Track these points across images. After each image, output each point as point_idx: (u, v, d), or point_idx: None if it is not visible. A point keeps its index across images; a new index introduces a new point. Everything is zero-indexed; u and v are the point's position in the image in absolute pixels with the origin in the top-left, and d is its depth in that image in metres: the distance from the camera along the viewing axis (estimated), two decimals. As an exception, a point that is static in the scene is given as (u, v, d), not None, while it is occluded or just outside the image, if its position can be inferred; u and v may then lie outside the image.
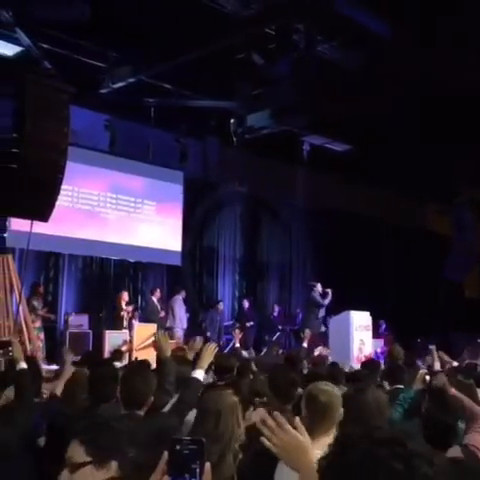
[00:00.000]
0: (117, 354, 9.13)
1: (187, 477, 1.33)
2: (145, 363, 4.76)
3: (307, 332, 12.47)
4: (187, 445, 1.35)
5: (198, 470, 1.33)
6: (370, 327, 12.05)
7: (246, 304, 15.41)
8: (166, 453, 1.36)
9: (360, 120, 12.02)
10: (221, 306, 14.96)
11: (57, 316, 12.89)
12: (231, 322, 15.39)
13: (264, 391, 4.67)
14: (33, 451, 3.65)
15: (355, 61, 10.29)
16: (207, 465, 1.35)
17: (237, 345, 13.31)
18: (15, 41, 9.59)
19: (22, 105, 7.93)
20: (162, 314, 13.36)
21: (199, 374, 3.86)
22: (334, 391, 3.17)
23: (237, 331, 13.99)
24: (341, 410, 3.10)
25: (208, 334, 13.78)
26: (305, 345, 11.71)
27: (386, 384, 5.75)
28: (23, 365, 4.72)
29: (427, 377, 5.53)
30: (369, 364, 7.57)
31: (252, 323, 14.90)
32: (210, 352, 3.99)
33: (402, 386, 5.50)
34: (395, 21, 9.01)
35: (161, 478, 1.35)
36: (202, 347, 4.30)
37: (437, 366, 7.41)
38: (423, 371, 5.03)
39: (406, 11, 8.58)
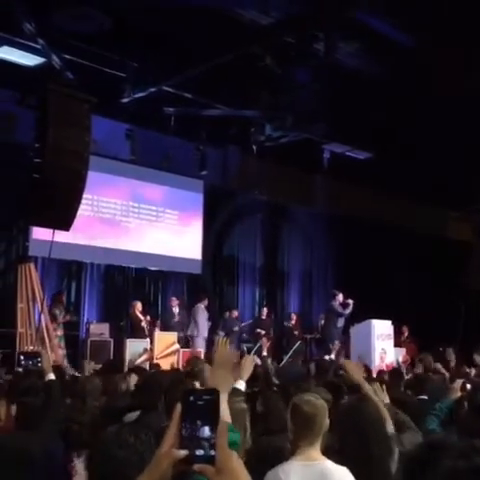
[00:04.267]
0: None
1: (199, 424, 1.27)
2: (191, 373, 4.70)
3: (336, 344, 12.43)
4: (201, 395, 1.30)
5: (213, 419, 1.28)
6: (392, 336, 11.95)
7: (264, 312, 15.15)
8: (179, 405, 1.30)
9: (381, 127, 11.97)
10: (233, 313, 14.47)
11: (79, 324, 12.95)
12: (248, 322, 15.21)
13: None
14: (55, 460, 3.66)
15: (375, 68, 10.25)
16: (222, 415, 1.30)
17: (264, 354, 13.16)
18: (37, 52, 9.69)
19: (44, 115, 8.02)
20: (177, 319, 13.34)
21: (241, 385, 3.85)
22: (319, 402, 3.09)
23: (264, 340, 13.87)
24: (327, 421, 3.02)
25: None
26: (333, 356, 11.64)
27: (409, 394, 5.65)
28: (51, 376, 4.78)
29: (467, 385, 5.39)
30: (392, 373, 7.50)
31: (264, 332, 14.64)
32: (249, 363, 3.97)
33: (426, 397, 5.40)
34: (418, 29, 8.95)
35: (177, 430, 1.28)
36: (240, 359, 4.24)
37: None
38: (460, 380, 4.93)
39: (429, 19, 8.50)
